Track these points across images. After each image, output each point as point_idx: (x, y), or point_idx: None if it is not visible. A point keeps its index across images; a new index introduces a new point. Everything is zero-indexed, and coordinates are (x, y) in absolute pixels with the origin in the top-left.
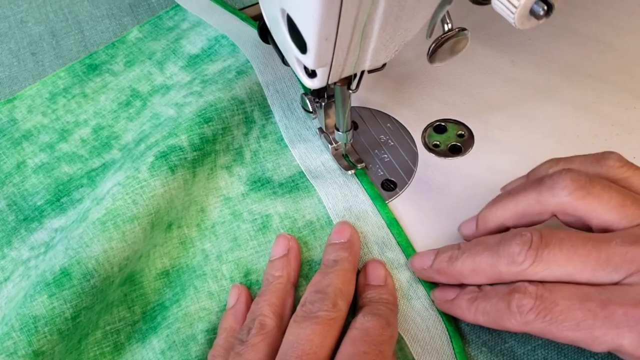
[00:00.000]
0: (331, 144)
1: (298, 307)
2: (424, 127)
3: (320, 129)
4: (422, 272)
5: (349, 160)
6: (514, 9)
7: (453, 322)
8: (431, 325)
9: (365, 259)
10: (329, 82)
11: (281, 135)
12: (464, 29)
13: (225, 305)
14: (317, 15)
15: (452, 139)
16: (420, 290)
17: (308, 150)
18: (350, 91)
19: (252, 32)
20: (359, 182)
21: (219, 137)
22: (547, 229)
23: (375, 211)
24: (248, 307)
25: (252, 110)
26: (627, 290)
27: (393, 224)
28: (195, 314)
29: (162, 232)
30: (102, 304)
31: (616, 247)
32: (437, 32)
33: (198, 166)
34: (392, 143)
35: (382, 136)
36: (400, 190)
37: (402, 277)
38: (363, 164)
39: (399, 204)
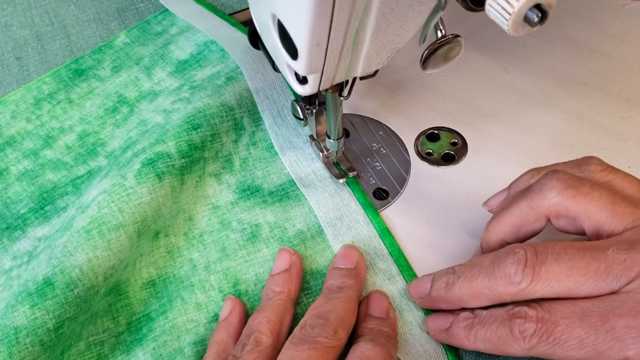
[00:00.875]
0: (322, 151)
1: (296, 329)
2: (417, 135)
3: (311, 136)
4: (422, 301)
5: (340, 168)
6: (508, 16)
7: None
8: (429, 348)
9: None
10: (321, 89)
11: (271, 143)
12: (457, 36)
13: (213, 316)
14: (309, 20)
15: (445, 147)
16: (412, 302)
17: (299, 158)
18: (342, 98)
19: (242, 38)
20: (351, 191)
21: (208, 144)
22: (542, 243)
23: (367, 220)
24: (241, 321)
25: (241, 117)
26: (625, 300)
27: (385, 233)
28: (183, 326)
29: (149, 240)
30: (86, 314)
31: (613, 255)
32: (430, 39)
33: (186, 173)
34: (384, 151)
35: (374, 144)
36: (392, 200)
37: (394, 289)
38: (354, 172)
39: (391, 213)
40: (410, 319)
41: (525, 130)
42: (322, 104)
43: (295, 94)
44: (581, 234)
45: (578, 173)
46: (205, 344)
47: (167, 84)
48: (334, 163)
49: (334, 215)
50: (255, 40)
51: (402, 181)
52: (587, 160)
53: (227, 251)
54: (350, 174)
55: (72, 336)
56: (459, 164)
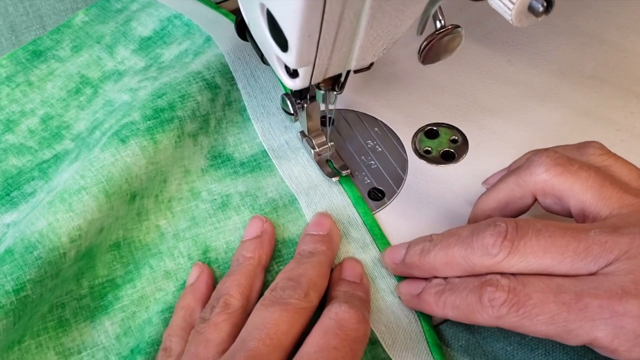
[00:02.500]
0: (314, 148)
1: (267, 292)
2: (415, 131)
3: (302, 132)
4: (394, 268)
5: (332, 166)
6: (511, 5)
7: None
8: (402, 315)
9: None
10: (312, 83)
11: (244, 105)
12: (457, 26)
13: (182, 284)
14: (299, 10)
15: (445, 145)
16: (385, 269)
17: (272, 126)
18: (335, 93)
19: (208, 11)
20: (344, 191)
21: (178, 104)
22: (524, 219)
23: (341, 190)
24: (209, 287)
25: (212, 76)
26: (603, 281)
27: (359, 203)
28: (152, 295)
29: (125, 203)
30: (56, 279)
31: (595, 236)
32: (429, 30)
33: (157, 133)
34: (379, 149)
35: (369, 141)
36: (388, 200)
37: (367, 257)
38: (348, 171)
39: (387, 214)
40: (383, 287)
41: (529, 127)
42: (314, 98)
43: (285, 88)
44: (567, 215)
45: (577, 156)
46: (173, 310)
47: (131, 63)
48: (327, 161)
49: (307, 185)
50: (243, 31)
51: (399, 181)
52: (587, 143)
53: (196, 220)
54: (344, 173)
55: (42, 302)
56: (459, 163)
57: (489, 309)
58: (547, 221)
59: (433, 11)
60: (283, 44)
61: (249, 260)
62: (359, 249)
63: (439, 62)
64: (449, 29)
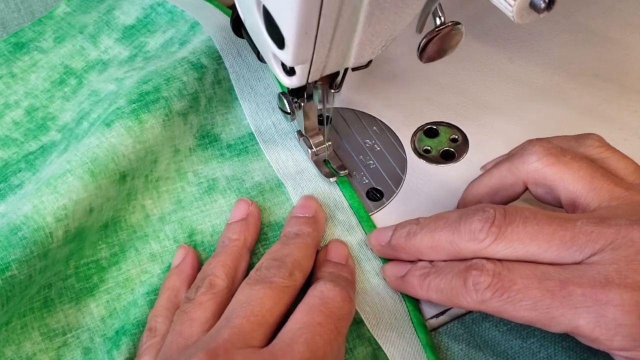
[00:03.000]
0: (311, 148)
1: (252, 272)
2: (414, 130)
3: (299, 132)
4: (380, 250)
5: (330, 166)
6: (512, 2)
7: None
8: (387, 296)
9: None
10: (309, 81)
11: (232, 84)
12: (457, 23)
13: (168, 267)
14: (296, 6)
15: (445, 144)
16: (371, 252)
17: (259, 107)
18: (333, 91)
19: None
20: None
21: (163, 86)
22: (513, 206)
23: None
24: (194, 269)
25: (197, 58)
26: (587, 270)
27: (345, 186)
28: (137, 278)
29: (115, 184)
30: (45, 260)
31: (582, 226)
32: (429, 27)
33: (142, 113)
34: (378, 148)
35: (368, 140)
36: (387, 201)
37: (353, 240)
38: (346, 171)
39: (386, 215)
40: (368, 269)
41: (530, 125)
42: (311, 97)
43: (282, 86)
44: (558, 205)
45: (574, 146)
46: (159, 293)
47: (115, 52)
48: (324, 161)
49: (294, 169)
50: (239, 27)
51: (398, 181)
52: (586, 135)
53: (182, 203)
54: (341, 173)
55: (32, 285)
56: (459, 162)
57: (472, 293)
58: (536, 209)
59: (433, 8)
60: (279, 41)
61: (234, 242)
62: (345, 231)
63: (438, 60)
64: (448, 26)
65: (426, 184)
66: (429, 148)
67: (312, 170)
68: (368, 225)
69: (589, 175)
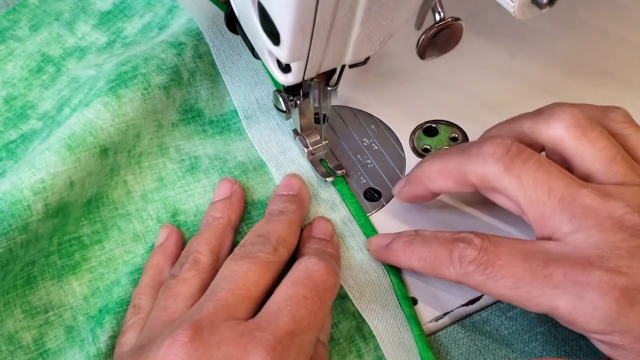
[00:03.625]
0: (307, 147)
1: (236, 248)
2: (413, 129)
3: (295, 130)
4: (399, 194)
5: (327, 166)
6: None
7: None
8: (371, 271)
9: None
10: (305, 78)
11: (214, 59)
12: (457, 19)
13: (151, 246)
14: (292, 1)
15: (444, 143)
16: (355, 227)
17: (242, 82)
18: (330, 88)
19: None
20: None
21: (141, 64)
22: (531, 149)
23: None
24: (178, 247)
25: (175, 38)
26: (572, 252)
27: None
28: (120, 257)
29: (96, 157)
30: (25, 233)
31: (585, 195)
32: (428, 23)
33: (120, 89)
34: (376, 147)
35: (365, 139)
36: (385, 201)
37: (337, 217)
38: (343, 171)
39: (384, 216)
40: (353, 244)
41: None
42: (307, 94)
43: (277, 83)
44: (518, 214)
45: (599, 117)
46: (142, 272)
47: (92, 38)
48: (321, 160)
49: (277, 149)
50: (233, 23)
51: (397, 181)
52: (612, 108)
53: (164, 181)
54: (338, 173)
55: (15, 260)
56: None
57: (457, 265)
58: (553, 163)
59: (432, 3)
60: (275, 38)
61: (218, 220)
62: (329, 209)
63: (438, 57)
64: (448, 21)
65: None
66: (429, 147)
67: (295, 149)
68: (366, 226)
69: (610, 157)
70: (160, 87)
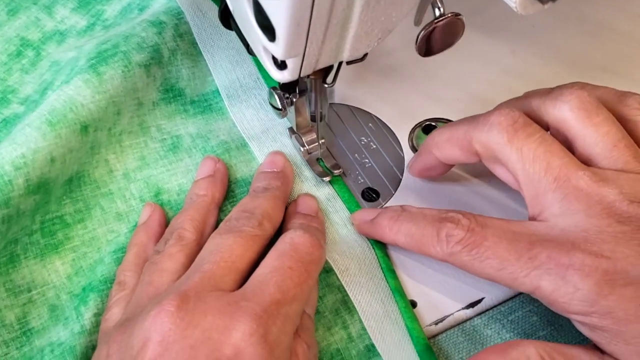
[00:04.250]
0: (303, 146)
1: (221, 223)
2: (412, 127)
3: (290, 129)
4: (410, 167)
5: (323, 165)
6: None
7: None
8: (355, 245)
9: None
10: (302, 75)
11: (195, 39)
12: (458, 14)
13: (134, 225)
14: None
15: None
16: (339, 204)
17: (223, 61)
18: (326, 85)
19: None
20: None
21: (121, 43)
22: (536, 125)
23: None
24: (161, 225)
25: (156, 17)
26: (558, 235)
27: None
28: (103, 237)
29: (77, 134)
30: (6, 208)
31: (581, 178)
32: (427, 19)
33: (100, 66)
34: (374, 146)
35: (363, 138)
36: (383, 202)
37: (321, 194)
38: (340, 170)
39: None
40: (337, 220)
41: None
42: (303, 92)
43: (272, 81)
44: (515, 188)
45: (614, 102)
46: (126, 250)
47: (72, 22)
48: (317, 159)
49: (259, 129)
50: (227, 19)
51: (395, 180)
52: (630, 94)
53: (146, 160)
54: (335, 172)
55: None
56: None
57: (443, 244)
58: (557, 142)
59: None
60: (270, 33)
61: (202, 198)
62: (313, 187)
63: (438, 54)
64: (448, 17)
65: (425, 184)
66: None
67: (277, 128)
68: (350, 202)
69: (612, 142)
70: (140, 65)
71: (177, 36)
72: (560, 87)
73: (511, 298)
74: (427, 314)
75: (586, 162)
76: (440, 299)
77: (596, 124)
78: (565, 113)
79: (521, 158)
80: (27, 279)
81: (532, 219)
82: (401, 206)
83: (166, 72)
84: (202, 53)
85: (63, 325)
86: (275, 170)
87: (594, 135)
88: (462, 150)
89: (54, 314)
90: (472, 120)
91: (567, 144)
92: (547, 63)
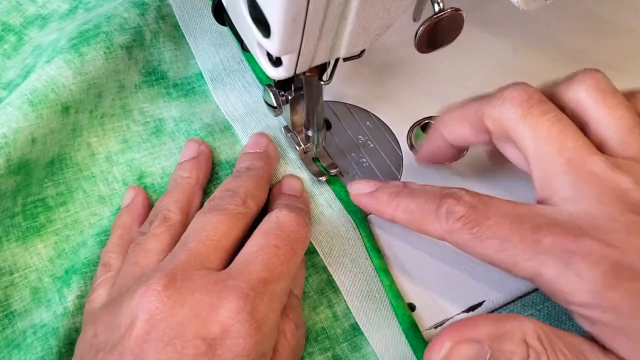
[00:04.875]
0: (299, 145)
1: (205, 203)
2: (410, 125)
3: (286, 127)
4: (418, 154)
5: (320, 165)
6: None
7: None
8: (340, 225)
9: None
10: (297, 72)
11: (178, 21)
12: (457, 10)
13: (117, 209)
14: None
15: None
16: (324, 185)
17: (206, 44)
18: (323, 83)
19: None
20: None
21: (103, 23)
22: (552, 104)
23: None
24: (145, 207)
25: None
26: (567, 221)
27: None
28: (86, 220)
29: (58, 115)
30: None
31: (595, 163)
32: (426, 14)
33: (82, 47)
34: (371, 145)
35: (360, 137)
36: None
37: (306, 176)
38: (337, 170)
39: (379, 219)
40: (322, 201)
41: None
42: (299, 89)
43: (267, 78)
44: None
45: (628, 98)
46: (109, 233)
47: (54, 6)
48: (313, 159)
49: (243, 111)
50: (221, 14)
51: (393, 180)
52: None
53: (129, 143)
54: (332, 172)
55: None
56: (460, 161)
57: (443, 220)
58: (572, 123)
59: None
60: (265, 29)
61: (186, 180)
62: (297, 169)
63: (437, 50)
64: (448, 12)
65: (424, 184)
66: None
67: (262, 110)
68: (334, 183)
69: (627, 127)
70: (122, 47)
71: (159, 18)
72: (576, 72)
73: (512, 301)
74: (427, 317)
75: (599, 146)
76: (440, 302)
77: (611, 106)
78: (580, 94)
79: (533, 135)
80: (8, 261)
81: (540, 202)
82: (403, 182)
83: (148, 54)
84: (185, 35)
85: (46, 308)
86: (258, 150)
87: (608, 117)
88: (472, 128)
89: (36, 296)
90: (484, 97)
91: (581, 126)
92: (550, 60)
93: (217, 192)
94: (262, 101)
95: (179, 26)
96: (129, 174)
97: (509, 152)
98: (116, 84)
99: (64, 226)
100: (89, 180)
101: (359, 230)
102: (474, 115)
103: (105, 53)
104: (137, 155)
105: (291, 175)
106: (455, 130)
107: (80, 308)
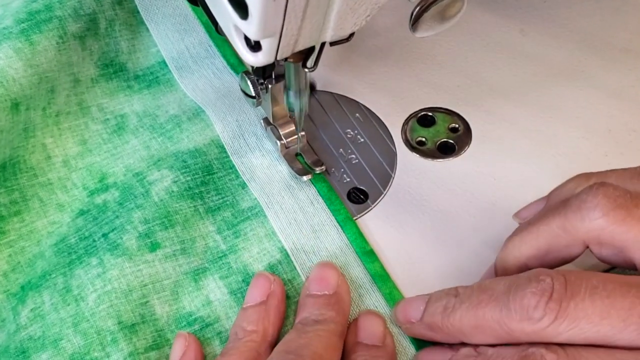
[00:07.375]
0: (280, 139)
1: None
2: (405, 118)
3: (265, 119)
4: (409, 328)
5: (303, 161)
6: None
7: None
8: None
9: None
10: (278, 58)
11: (137, 6)
12: None
13: (77, 213)
14: None
15: (443, 135)
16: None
17: (169, 30)
18: (307, 70)
19: None
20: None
21: (55, 4)
22: (575, 272)
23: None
24: None
25: None
26: None
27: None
28: (44, 229)
29: (7, 112)
30: None
31: None
32: None
33: (33, 34)
34: (362, 140)
35: (349, 130)
36: (372, 203)
37: (284, 169)
38: (323, 167)
39: (371, 220)
40: (303, 198)
41: (546, 112)
42: (280, 77)
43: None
44: (631, 268)
45: (638, 185)
46: (69, 241)
47: None
48: (296, 155)
49: (214, 96)
50: None
51: (386, 179)
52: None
53: (88, 145)
54: (317, 169)
55: None
56: (460, 156)
57: None
58: (605, 275)
59: None
60: (242, 10)
61: (250, 335)
62: (275, 161)
63: (434, 32)
64: None
65: (420, 183)
66: (424, 139)
67: (235, 94)
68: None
69: None
70: (76, 36)
71: (116, 3)
72: (576, 195)
73: None
74: None
75: None
76: None
77: None
78: (599, 221)
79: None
80: None
81: None
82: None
83: (103, 44)
84: (145, 22)
85: None
86: (326, 292)
87: None
88: (501, 340)
89: None
90: (500, 299)
91: (621, 255)
92: (562, 44)
93: (274, 354)
94: (235, 86)
95: (138, 12)
96: (89, 178)
97: (604, 253)
98: (70, 77)
99: (19, 237)
100: (46, 188)
101: (345, 236)
102: (499, 329)
103: (58, 43)
104: (97, 158)
105: (369, 313)
106: (474, 339)
107: (33, 320)
